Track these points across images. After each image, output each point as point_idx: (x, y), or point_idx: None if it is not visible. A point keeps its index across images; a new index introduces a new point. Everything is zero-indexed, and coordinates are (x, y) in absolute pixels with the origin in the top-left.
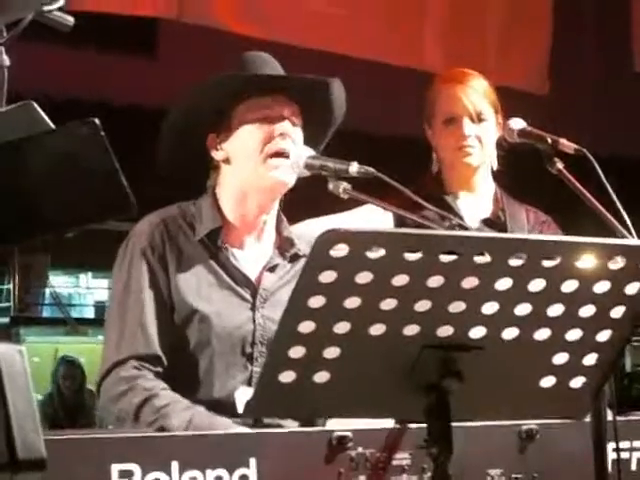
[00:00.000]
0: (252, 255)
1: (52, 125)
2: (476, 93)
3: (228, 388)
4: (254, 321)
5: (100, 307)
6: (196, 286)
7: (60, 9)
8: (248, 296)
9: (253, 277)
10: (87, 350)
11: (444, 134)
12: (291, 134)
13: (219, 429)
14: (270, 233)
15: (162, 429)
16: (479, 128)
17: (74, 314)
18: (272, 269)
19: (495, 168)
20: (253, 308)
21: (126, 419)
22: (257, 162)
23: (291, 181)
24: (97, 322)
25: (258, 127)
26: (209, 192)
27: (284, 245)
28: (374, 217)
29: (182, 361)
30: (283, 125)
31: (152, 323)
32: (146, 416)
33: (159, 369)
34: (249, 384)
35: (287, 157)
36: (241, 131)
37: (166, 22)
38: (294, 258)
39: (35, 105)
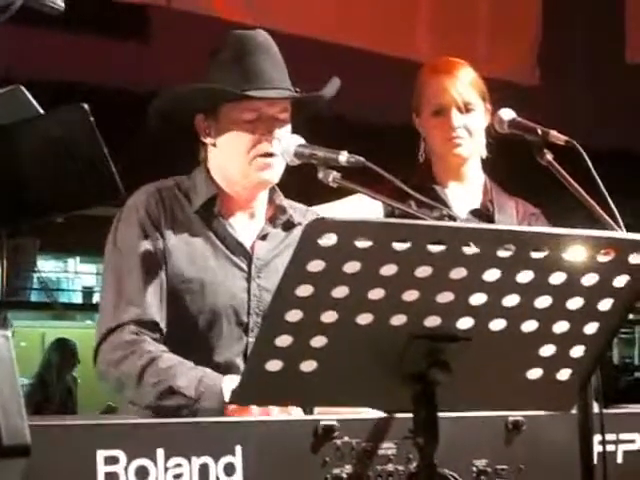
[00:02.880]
0: (246, 225)
1: (41, 110)
2: (463, 83)
3: (224, 357)
4: (249, 291)
5: (88, 292)
6: (192, 255)
7: None
8: (244, 266)
9: (248, 246)
10: (75, 334)
11: (433, 125)
12: (278, 137)
13: (228, 388)
14: (262, 207)
15: (169, 389)
16: (467, 118)
17: (62, 299)
18: (264, 237)
19: (484, 156)
20: (248, 278)
21: (128, 382)
22: (243, 162)
23: (276, 178)
24: (85, 307)
25: (244, 133)
26: (202, 165)
27: (275, 213)
28: (364, 206)
29: (177, 330)
30: (271, 130)
31: (149, 289)
32: (150, 377)
33: (157, 336)
34: (245, 355)
35: (272, 156)
36: (228, 134)
37: (156, 6)
38: (287, 226)
39: (24, 89)
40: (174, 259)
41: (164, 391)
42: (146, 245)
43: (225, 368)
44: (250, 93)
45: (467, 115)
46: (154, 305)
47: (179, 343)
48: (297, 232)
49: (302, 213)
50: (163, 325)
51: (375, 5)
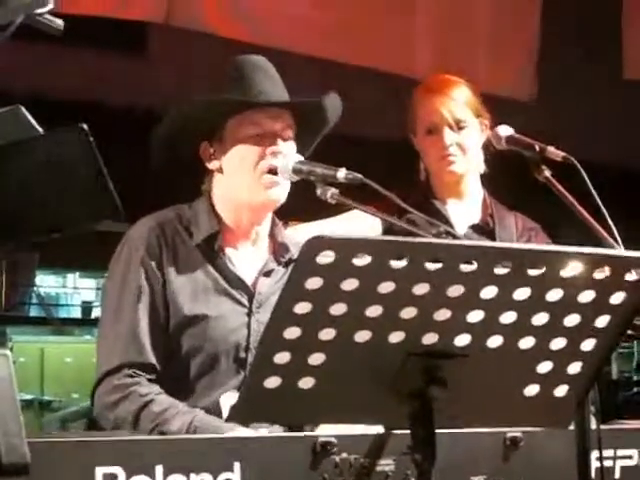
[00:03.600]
0: (248, 260)
1: (40, 130)
2: (455, 101)
3: (220, 393)
4: (249, 326)
5: (87, 307)
6: (192, 291)
7: (50, 12)
8: (245, 301)
9: (249, 282)
10: (73, 350)
11: (427, 144)
12: (283, 151)
13: (221, 431)
14: (264, 240)
15: (163, 434)
16: (460, 136)
17: (61, 314)
18: (267, 274)
19: (482, 172)
20: (249, 313)
21: (124, 426)
22: (250, 179)
23: (282, 198)
24: (84, 322)
25: (251, 145)
26: (205, 195)
27: (279, 250)
28: (362, 222)
29: (175, 367)
30: (275, 147)
31: (146, 331)
32: (145, 423)
33: (152, 376)
34: (240, 389)
35: (278, 173)
36: (234, 150)
37: (156, 24)
38: (289, 263)
39: (23, 110)
40: (175, 296)
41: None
42: (146, 285)
43: (218, 404)
44: (253, 101)
45: (460, 133)
46: (151, 346)
47: (176, 380)
48: None
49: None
50: (159, 365)
51: (374, 22)
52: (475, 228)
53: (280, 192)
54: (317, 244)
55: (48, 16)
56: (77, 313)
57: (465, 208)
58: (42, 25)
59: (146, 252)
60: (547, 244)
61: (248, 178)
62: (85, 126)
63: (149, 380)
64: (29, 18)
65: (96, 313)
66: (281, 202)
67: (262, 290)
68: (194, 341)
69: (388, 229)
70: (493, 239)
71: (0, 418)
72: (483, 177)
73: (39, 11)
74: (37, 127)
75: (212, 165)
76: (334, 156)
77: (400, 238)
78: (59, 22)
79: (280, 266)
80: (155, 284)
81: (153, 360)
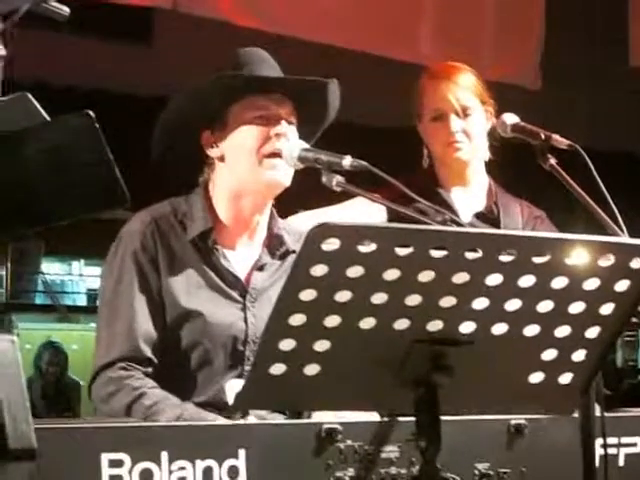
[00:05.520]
0: (243, 255)
1: (47, 117)
2: (461, 88)
3: (218, 387)
4: (246, 320)
5: (92, 295)
6: (186, 287)
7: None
8: (237, 296)
9: (243, 277)
10: (79, 337)
11: (432, 130)
12: (287, 134)
13: (231, 392)
14: (262, 232)
15: None
16: (466, 123)
17: (67, 301)
18: (261, 268)
19: (487, 159)
20: (244, 308)
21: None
22: (253, 162)
23: (287, 181)
24: (89, 310)
25: (255, 127)
26: (201, 188)
27: (273, 243)
28: (367, 210)
29: (173, 361)
30: (280, 126)
31: (142, 325)
32: (136, 416)
33: (149, 369)
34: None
35: (281, 157)
36: (237, 131)
37: (162, 10)
38: (284, 255)
39: (30, 97)
40: (171, 291)
41: None
42: (141, 281)
43: (216, 398)
44: (255, 72)
45: (466, 119)
46: (147, 340)
47: (174, 374)
48: (291, 259)
49: (297, 238)
50: (156, 359)
51: (380, 9)
52: (480, 216)
53: (283, 175)
54: (322, 231)
55: (54, 3)
56: (82, 301)
57: (470, 196)
58: (48, 12)
59: (141, 247)
60: (553, 232)
61: (251, 161)
62: (92, 113)
63: (145, 373)
64: (35, 5)
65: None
66: (285, 186)
67: (256, 284)
68: (191, 335)
69: (394, 217)
70: (498, 227)
71: (7, 404)
72: (488, 164)
73: None
74: (44, 114)
75: (213, 152)
76: (334, 143)
77: (405, 225)
78: (65, 9)
79: (275, 259)
80: (151, 279)
81: (149, 353)
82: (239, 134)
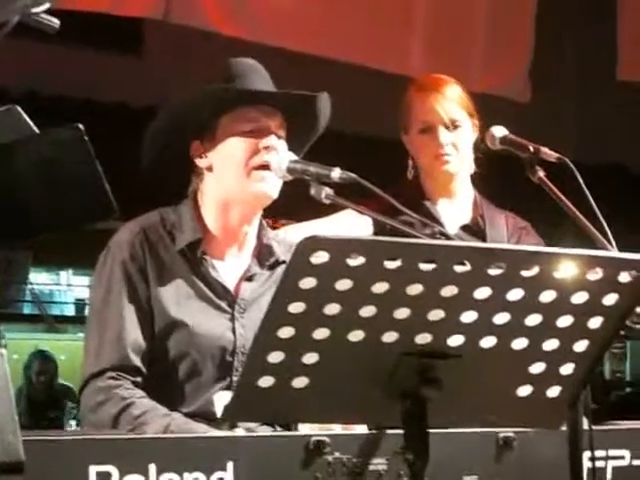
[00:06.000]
0: (232, 265)
1: (36, 129)
2: (449, 100)
3: (206, 397)
4: (234, 331)
5: (80, 305)
6: (175, 297)
7: (46, 11)
8: (226, 307)
9: (232, 287)
10: (66, 347)
11: (421, 143)
12: (276, 147)
13: (220, 404)
14: (251, 243)
15: None
16: (454, 135)
17: (55, 311)
18: (249, 279)
19: (472, 171)
20: (232, 319)
21: (105, 429)
22: (241, 174)
23: (274, 193)
24: (77, 319)
25: (244, 140)
26: (190, 198)
27: (263, 253)
28: (353, 222)
29: (161, 371)
30: (269, 139)
31: (131, 334)
32: (124, 425)
33: (138, 379)
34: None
35: (269, 169)
36: (226, 143)
37: (152, 20)
38: (273, 266)
39: (19, 109)
40: (159, 301)
41: None
42: (130, 291)
43: (204, 408)
44: (246, 85)
45: (454, 132)
46: (135, 349)
47: (162, 384)
48: (281, 270)
49: (287, 249)
50: (145, 368)
51: (370, 21)
52: (466, 228)
53: (271, 187)
54: (311, 244)
55: (45, 15)
56: (71, 311)
57: (456, 208)
58: (39, 24)
59: (130, 257)
60: (538, 243)
61: (239, 172)
62: (81, 126)
63: (134, 383)
64: (25, 17)
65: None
66: (273, 198)
67: (245, 295)
68: (179, 346)
69: (380, 229)
70: (484, 239)
71: None
72: (474, 177)
73: (36, 10)
74: (33, 127)
75: (202, 163)
76: (318, 153)
77: (394, 239)
78: (56, 21)
79: (264, 269)
80: (139, 288)
81: (138, 363)
82: (228, 145)
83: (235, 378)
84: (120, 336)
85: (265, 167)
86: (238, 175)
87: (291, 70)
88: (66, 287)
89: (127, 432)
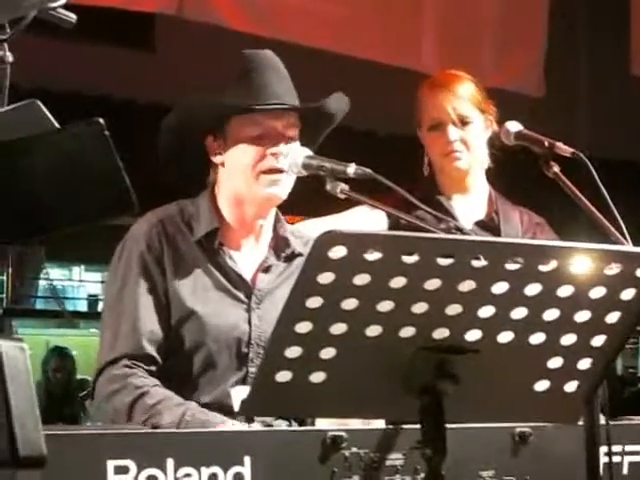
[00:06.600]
0: (248, 256)
1: (57, 124)
2: (459, 97)
3: (222, 388)
4: (250, 322)
5: (93, 300)
6: (192, 287)
7: (63, 6)
8: (243, 297)
9: (248, 278)
10: (79, 342)
11: (431, 139)
12: (283, 152)
13: (212, 425)
14: (267, 234)
15: (155, 427)
16: (464, 132)
17: (67, 307)
18: (266, 270)
19: (486, 167)
20: (248, 309)
21: (118, 418)
22: (250, 178)
23: (284, 194)
24: (89, 315)
25: (251, 147)
26: (208, 190)
27: (279, 245)
28: (367, 218)
29: (177, 361)
30: (276, 148)
31: (146, 324)
32: (138, 414)
33: (153, 368)
34: (244, 384)
35: (280, 172)
36: (235, 148)
37: (164, 16)
38: (289, 258)
39: (40, 104)
40: (176, 292)
41: (151, 428)
42: (147, 281)
43: (220, 399)
44: (253, 107)
45: (464, 128)
46: (151, 339)
47: (178, 374)
48: (297, 262)
49: (304, 242)
50: (161, 358)
51: (382, 17)
52: (480, 224)
53: (280, 190)
54: (329, 239)
55: (61, 10)
56: (83, 306)
57: (470, 204)
58: (56, 19)
59: (147, 248)
60: (553, 239)
61: (247, 176)
62: (102, 120)
63: (149, 371)
64: (42, 12)
65: (101, 306)
66: (283, 198)
67: (261, 286)
68: (195, 336)
69: (395, 224)
70: (498, 235)
71: (17, 411)
72: (489, 172)
73: (52, 5)
74: (54, 121)
75: (216, 159)
76: (332, 149)
77: (412, 233)
78: (72, 16)
79: (280, 261)
80: (156, 279)
81: (153, 352)
82: (236, 150)
83: (251, 369)
84: (135, 325)
85: (274, 171)
86: (247, 178)
87: (304, 66)
88: (78, 283)
89: (144, 426)
